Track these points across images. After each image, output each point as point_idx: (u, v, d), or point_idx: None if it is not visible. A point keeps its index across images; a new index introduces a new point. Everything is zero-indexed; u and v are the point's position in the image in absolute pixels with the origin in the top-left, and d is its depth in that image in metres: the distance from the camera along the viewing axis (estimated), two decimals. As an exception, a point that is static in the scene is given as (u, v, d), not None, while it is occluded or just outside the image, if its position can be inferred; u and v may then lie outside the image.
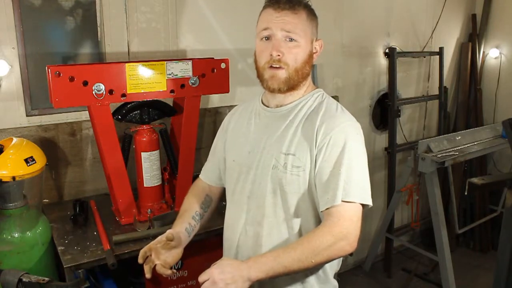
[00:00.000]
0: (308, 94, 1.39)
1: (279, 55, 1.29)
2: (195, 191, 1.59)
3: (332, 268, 1.40)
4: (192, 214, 1.49)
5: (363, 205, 1.27)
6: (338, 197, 1.23)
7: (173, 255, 1.37)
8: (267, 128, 1.39)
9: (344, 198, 1.23)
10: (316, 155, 1.28)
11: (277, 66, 1.30)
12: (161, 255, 1.34)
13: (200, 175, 1.64)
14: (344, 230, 1.21)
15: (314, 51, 1.37)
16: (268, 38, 1.32)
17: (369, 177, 1.31)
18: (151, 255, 1.32)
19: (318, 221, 1.32)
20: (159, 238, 1.35)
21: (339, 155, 1.26)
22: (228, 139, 1.52)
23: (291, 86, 1.33)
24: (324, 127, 1.29)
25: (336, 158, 1.26)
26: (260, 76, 1.36)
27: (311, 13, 1.35)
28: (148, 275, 1.31)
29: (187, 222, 1.46)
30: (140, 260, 1.32)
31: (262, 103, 1.45)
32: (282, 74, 1.31)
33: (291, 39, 1.30)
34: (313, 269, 1.34)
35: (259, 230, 1.36)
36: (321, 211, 1.27)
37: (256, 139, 1.40)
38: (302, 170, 1.29)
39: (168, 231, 1.36)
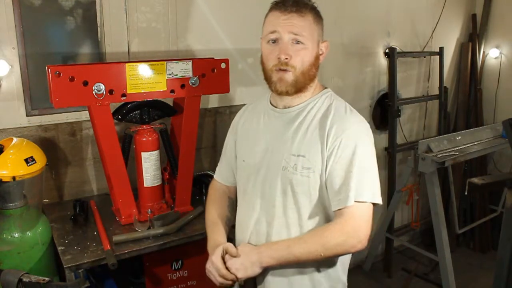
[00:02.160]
0: (316, 95, 1.40)
1: (287, 58, 1.29)
2: (217, 196, 1.59)
3: (344, 266, 1.41)
4: (226, 221, 1.51)
5: (374, 204, 1.29)
6: (351, 198, 1.25)
7: None
8: (276, 129, 1.39)
9: (357, 198, 1.25)
10: (327, 158, 1.29)
11: (284, 68, 1.31)
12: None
13: (215, 177, 1.64)
14: (356, 228, 1.24)
15: (320, 52, 1.38)
16: (275, 41, 1.32)
17: (378, 176, 1.32)
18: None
19: (328, 222, 1.33)
20: (220, 252, 1.32)
21: (350, 157, 1.27)
22: (238, 138, 1.53)
23: (298, 88, 1.34)
24: (334, 130, 1.30)
25: (347, 160, 1.27)
26: (267, 78, 1.36)
27: (318, 16, 1.35)
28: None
29: (224, 229, 1.47)
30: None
31: (271, 103, 1.45)
32: (289, 76, 1.31)
33: (298, 41, 1.30)
34: (323, 266, 1.35)
35: (269, 230, 1.37)
36: (333, 211, 1.29)
37: (265, 139, 1.40)
38: (312, 171, 1.30)
39: (230, 247, 1.33)
